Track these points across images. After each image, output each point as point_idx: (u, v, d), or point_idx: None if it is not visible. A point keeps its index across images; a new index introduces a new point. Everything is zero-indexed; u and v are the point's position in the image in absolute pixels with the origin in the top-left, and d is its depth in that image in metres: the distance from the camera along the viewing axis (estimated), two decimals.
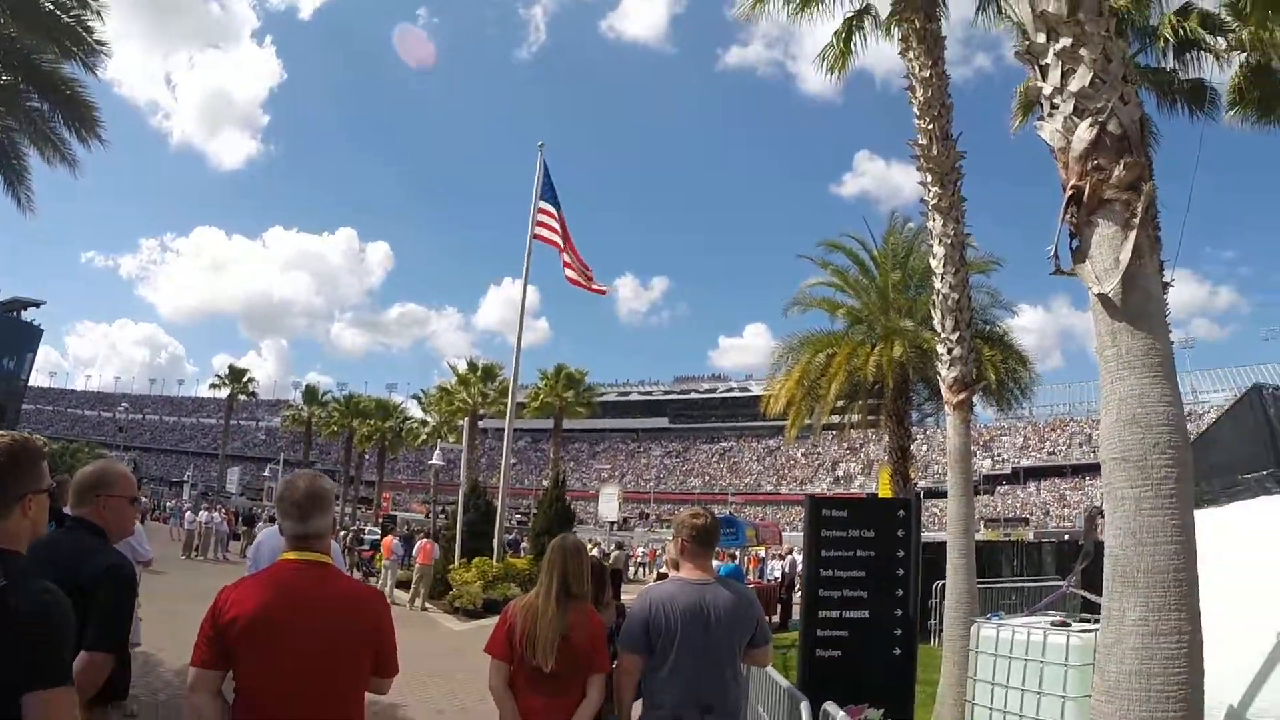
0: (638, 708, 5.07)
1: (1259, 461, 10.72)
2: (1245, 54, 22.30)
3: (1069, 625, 9.34)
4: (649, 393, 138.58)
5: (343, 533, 38.19)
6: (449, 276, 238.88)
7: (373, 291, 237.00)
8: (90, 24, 19.64)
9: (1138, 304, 4.97)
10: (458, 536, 28.53)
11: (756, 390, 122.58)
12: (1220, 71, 22.00)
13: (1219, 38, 21.82)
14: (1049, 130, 5.36)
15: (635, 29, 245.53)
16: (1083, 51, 5.24)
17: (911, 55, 14.34)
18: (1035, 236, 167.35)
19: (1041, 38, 5.47)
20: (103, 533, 4.08)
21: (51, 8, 19.18)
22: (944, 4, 15.67)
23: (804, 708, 5.72)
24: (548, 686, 4.82)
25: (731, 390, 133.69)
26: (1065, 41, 5.30)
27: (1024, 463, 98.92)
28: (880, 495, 38.98)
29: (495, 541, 28.01)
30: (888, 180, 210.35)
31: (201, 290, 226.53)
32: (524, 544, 41.67)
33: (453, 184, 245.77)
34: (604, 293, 25.75)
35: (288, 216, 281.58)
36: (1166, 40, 20.94)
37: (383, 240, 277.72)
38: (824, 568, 9.77)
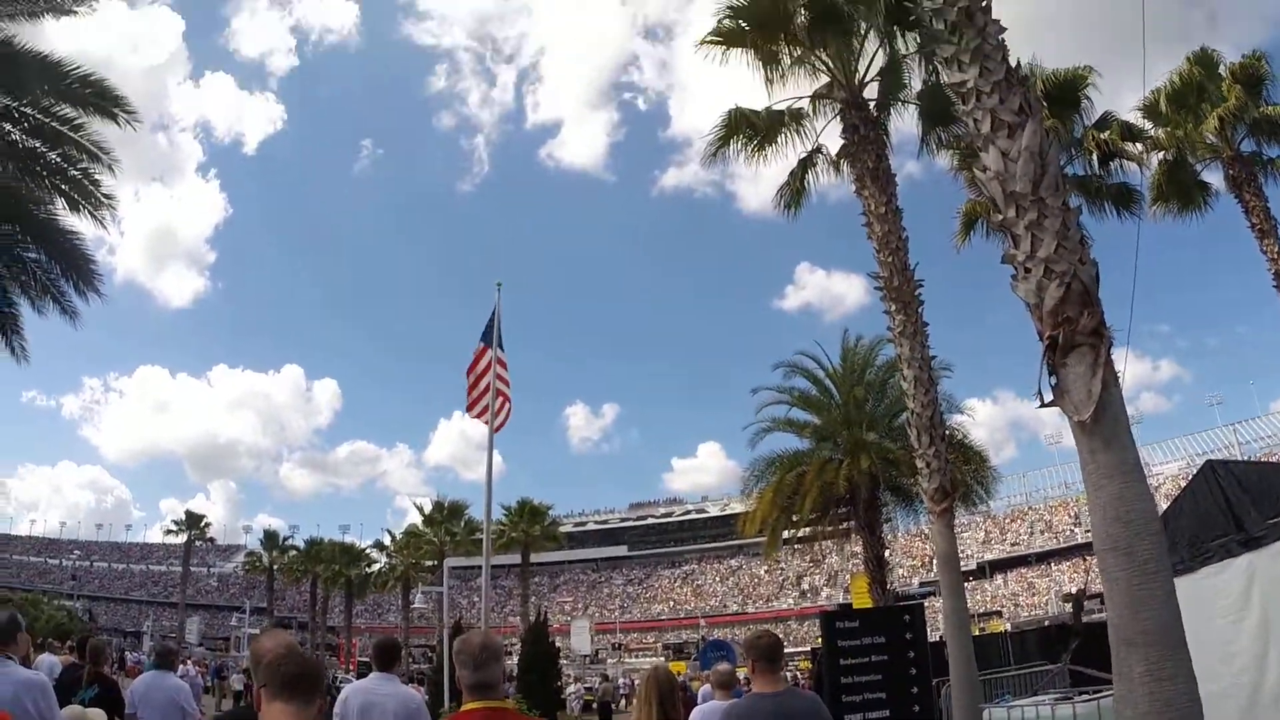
0: None
1: (1220, 528, 12.02)
2: (1162, 152, 24.18)
3: (1071, 698, 10.40)
4: (605, 521, 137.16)
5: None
6: (399, 414, 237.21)
7: (320, 431, 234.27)
8: (98, 177, 19.58)
9: (1109, 427, 6.22)
10: (444, 680, 28.64)
11: (714, 510, 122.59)
12: (1141, 174, 23.74)
13: (1136, 143, 23.62)
14: (1024, 289, 6.63)
15: (574, 157, 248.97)
16: (1046, 223, 6.53)
17: (867, 194, 15.63)
18: (977, 332, 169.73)
19: (1012, 212, 6.74)
20: None
21: (57, 159, 19.23)
22: (889, 141, 17.06)
23: None
24: None
25: (689, 513, 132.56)
26: (1031, 215, 6.58)
27: (988, 556, 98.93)
28: (855, 605, 39.79)
29: None
30: (829, 290, 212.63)
31: (146, 431, 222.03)
32: (504, 684, 41.22)
33: (399, 319, 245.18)
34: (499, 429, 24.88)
35: (233, 355, 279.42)
36: (1091, 152, 22.56)
37: (330, 378, 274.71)
38: (844, 675, 10.67)
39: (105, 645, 12.09)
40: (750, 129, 17.62)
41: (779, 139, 17.82)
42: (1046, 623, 54.00)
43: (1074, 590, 75.09)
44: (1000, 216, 6.89)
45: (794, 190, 18.46)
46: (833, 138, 17.52)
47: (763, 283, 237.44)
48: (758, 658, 6.05)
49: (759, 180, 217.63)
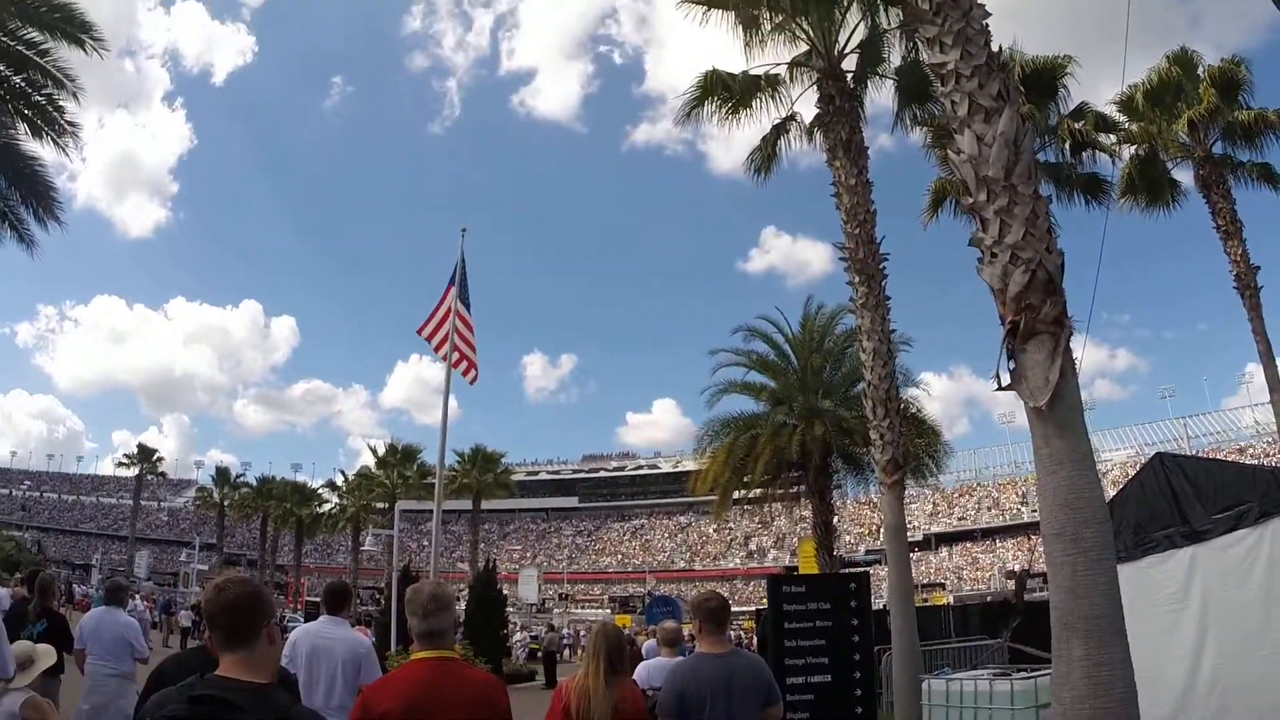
0: None
1: (1165, 519, 12.20)
2: (1135, 147, 24.22)
3: (1009, 674, 10.60)
4: (558, 472, 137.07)
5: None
6: (356, 353, 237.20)
7: (277, 368, 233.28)
8: (62, 104, 19.27)
9: (1063, 414, 6.36)
10: (392, 623, 28.49)
11: (666, 467, 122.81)
12: (1113, 166, 23.80)
13: (1110, 135, 23.67)
14: (989, 273, 6.72)
15: (547, 106, 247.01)
16: (1016, 210, 6.62)
17: (838, 164, 15.67)
18: (939, 307, 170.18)
19: (983, 196, 6.82)
20: None
21: (21, 84, 18.92)
22: (863, 113, 17.11)
23: None
24: None
25: (641, 468, 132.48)
26: (1002, 201, 6.66)
27: (934, 529, 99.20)
28: (801, 569, 40.19)
29: None
30: (794, 256, 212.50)
31: (101, 362, 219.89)
32: (454, 633, 41.29)
33: (361, 258, 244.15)
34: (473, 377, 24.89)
35: (192, 288, 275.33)
36: (1064, 140, 22.64)
37: (288, 315, 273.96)
38: (788, 639, 10.85)
39: (54, 580, 12.12)
40: (726, 91, 17.61)
41: (754, 104, 17.84)
42: (989, 598, 54.51)
43: (1017, 568, 75.78)
44: (971, 200, 6.98)
45: (765, 155, 18.50)
46: (807, 106, 17.60)
47: (728, 244, 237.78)
48: (705, 619, 6.16)
49: (730, 142, 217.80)
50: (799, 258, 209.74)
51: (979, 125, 6.99)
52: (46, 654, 7.21)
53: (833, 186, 15.85)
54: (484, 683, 4.59)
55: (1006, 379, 6.61)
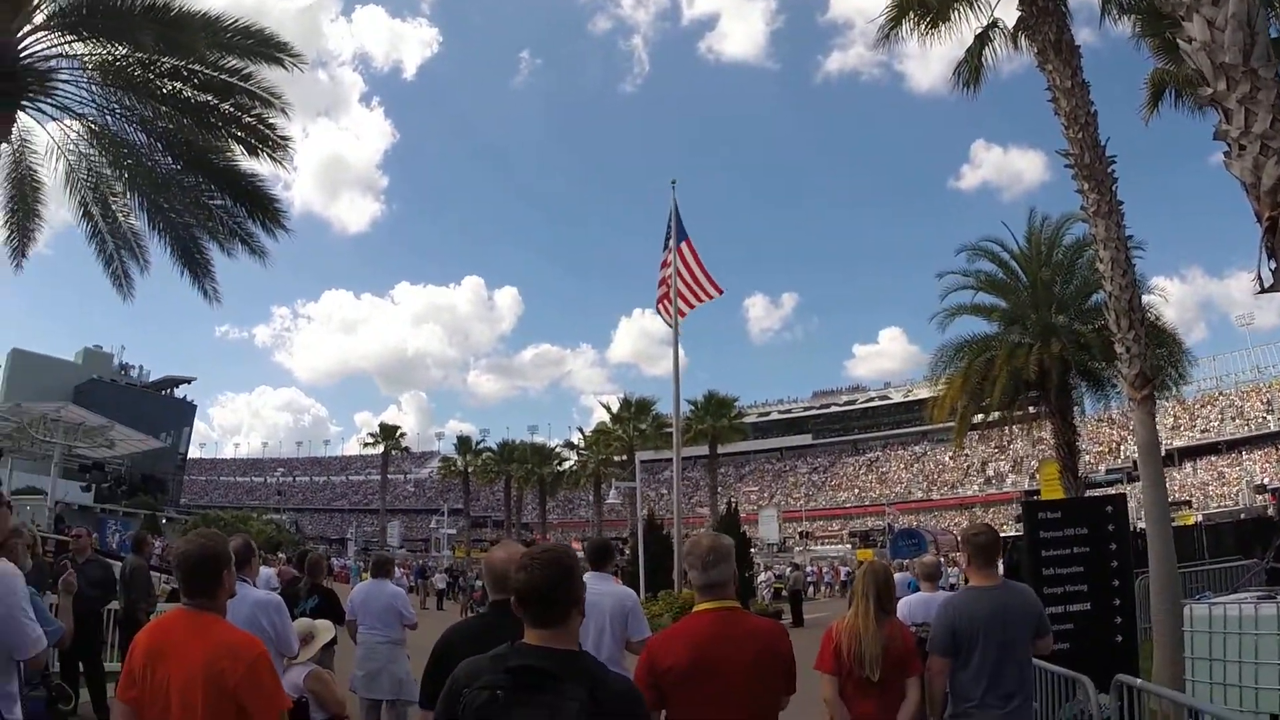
0: None
1: None
2: None
3: (1274, 597, 9.92)
4: (789, 411, 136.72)
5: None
6: (579, 314, 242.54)
7: (504, 337, 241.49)
8: (272, 121, 19.98)
9: None
10: (640, 571, 28.93)
11: (897, 397, 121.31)
12: None
13: None
14: (1239, 168, 6.19)
15: (734, 48, 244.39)
16: (1260, 96, 6.07)
17: (1050, 68, 14.82)
18: (1162, 207, 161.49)
19: (1222, 85, 6.30)
20: None
21: (230, 109, 19.73)
22: (1068, 10, 16.14)
23: (1089, 684, 6.70)
24: (875, 691, 5.65)
25: (871, 400, 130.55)
26: (1244, 89, 6.13)
27: (1176, 443, 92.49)
28: (1044, 492, 39.09)
29: (675, 574, 27.48)
30: (1007, 167, 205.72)
31: (335, 351, 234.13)
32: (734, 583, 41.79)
33: (572, 222, 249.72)
34: (720, 292, 25.29)
35: (413, 272, 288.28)
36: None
37: (510, 285, 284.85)
38: (1045, 566, 10.50)
39: (322, 558, 12.77)
40: (921, 7, 16.96)
41: (951, 15, 17.10)
42: (1242, 515, 51.86)
43: (1267, 481, 71.50)
44: (1210, 90, 6.45)
45: (973, 68, 17.68)
46: (1008, 10, 16.74)
47: (937, 163, 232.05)
48: (975, 552, 6.15)
49: (927, 59, 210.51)
50: (1012, 169, 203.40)
51: (1208, 9, 6.46)
52: (326, 629, 7.55)
53: (1048, 91, 14.98)
54: (767, 630, 4.61)
55: (1270, 280, 6.09)
